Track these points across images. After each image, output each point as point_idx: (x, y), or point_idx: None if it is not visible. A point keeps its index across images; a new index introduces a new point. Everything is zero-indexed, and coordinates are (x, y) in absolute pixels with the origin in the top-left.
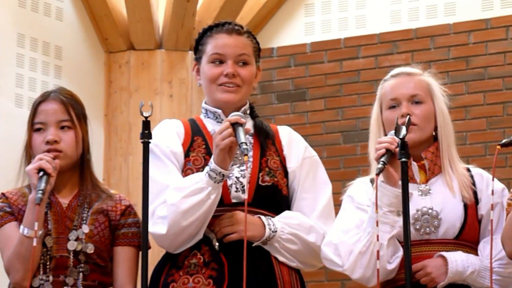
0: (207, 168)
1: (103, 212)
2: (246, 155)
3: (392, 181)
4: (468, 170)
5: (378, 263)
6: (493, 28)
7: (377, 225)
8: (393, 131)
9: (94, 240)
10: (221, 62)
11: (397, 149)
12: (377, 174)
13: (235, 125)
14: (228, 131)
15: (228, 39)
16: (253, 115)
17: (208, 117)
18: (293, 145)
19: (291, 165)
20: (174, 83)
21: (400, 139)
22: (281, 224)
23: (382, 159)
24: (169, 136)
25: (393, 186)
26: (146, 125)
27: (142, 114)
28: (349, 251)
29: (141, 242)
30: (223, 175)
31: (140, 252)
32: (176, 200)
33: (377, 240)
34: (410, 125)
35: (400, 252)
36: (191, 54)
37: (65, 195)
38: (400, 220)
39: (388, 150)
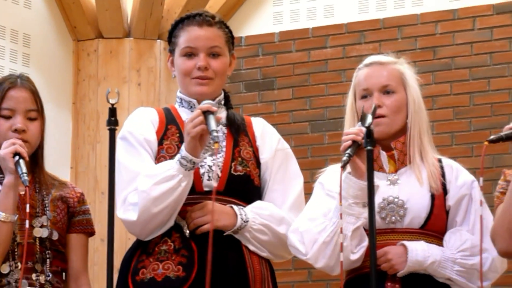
0: (178, 156)
1: (62, 199)
2: (217, 142)
3: (358, 173)
4: (440, 161)
5: (341, 255)
6: (460, 18)
7: (341, 217)
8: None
9: (57, 226)
10: (193, 55)
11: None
12: (342, 167)
13: (206, 113)
14: (199, 118)
15: (199, 31)
16: (227, 105)
17: (182, 106)
18: (267, 136)
19: (263, 156)
20: (143, 72)
21: (366, 127)
22: (253, 214)
23: (348, 151)
24: (143, 124)
25: (359, 178)
26: (113, 112)
27: (108, 101)
28: (313, 240)
29: (92, 229)
30: (194, 162)
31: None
32: (147, 187)
33: (341, 232)
34: (375, 114)
35: (365, 242)
36: (159, 42)
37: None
38: (365, 212)
39: (354, 142)
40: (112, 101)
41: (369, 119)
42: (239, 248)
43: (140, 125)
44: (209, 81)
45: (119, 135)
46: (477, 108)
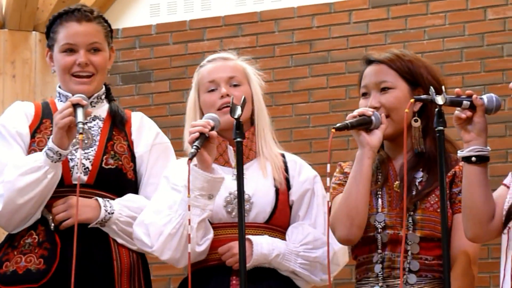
0: (45, 147)
1: None
2: (82, 134)
3: (204, 165)
4: (283, 156)
5: (189, 247)
6: (336, 12)
7: (189, 209)
8: (209, 114)
9: None
10: (73, 51)
11: (211, 132)
12: (190, 159)
13: (76, 105)
14: (68, 110)
15: (78, 27)
16: (109, 98)
17: (61, 101)
18: (143, 130)
19: (138, 150)
20: (17, 64)
21: (236, 119)
22: (120, 206)
23: (196, 143)
24: (16, 117)
25: (205, 170)
26: None
27: None
28: (159, 232)
29: None
30: (61, 154)
31: None
32: (12, 178)
33: (189, 224)
34: (244, 104)
35: (210, 235)
36: (34, 34)
37: None
38: (211, 204)
39: (202, 134)
40: None
41: (238, 110)
42: (107, 241)
43: (13, 118)
44: (90, 78)
45: None
46: (353, 101)
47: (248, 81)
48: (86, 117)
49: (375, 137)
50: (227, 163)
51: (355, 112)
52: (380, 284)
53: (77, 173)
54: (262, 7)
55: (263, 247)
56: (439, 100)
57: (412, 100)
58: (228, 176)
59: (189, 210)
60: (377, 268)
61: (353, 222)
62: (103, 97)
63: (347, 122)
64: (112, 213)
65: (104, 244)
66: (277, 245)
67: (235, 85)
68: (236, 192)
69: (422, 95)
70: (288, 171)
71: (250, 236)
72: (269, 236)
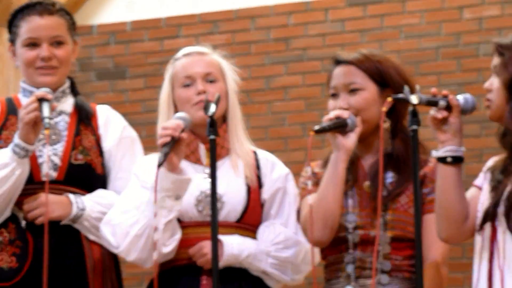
0: (11, 144)
1: None
2: (48, 129)
3: (171, 167)
4: (255, 153)
5: (155, 254)
6: (312, 10)
7: (155, 216)
8: (179, 114)
9: None
10: (36, 44)
11: (182, 135)
12: (159, 166)
13: (41, 100)
14: (33, 105)
15: (40, 20)
16: (74, 92)
17: (25, 96)
18: (110, 124)
19: (105, 144)
20: None
21: (209, 116)
22: (91, 202)
23: (164, 148)
24: None
25: (172, 171)
26: None
27: None
28: (125, 233)
29: None
30: (27, 150)
31: None
32: None
33: (155, 230)
34: (218, 102)
35: (178, 235)
36: None
37: None
38: (178, 205)
39: (172, 137)
40: None
41: (212, 108)
42: (78, 238)
43: None
44: (54, 70)
45: None
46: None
47: (223, 77)
48: (51, 112)
49: (350, 140)
50: (199, 160)
51: (331, 115)
52: (352, 284)
53: (50, 169)
54: (238, 4)
55: (234, 247)
56: (414, 99)
57: (390, 98)
58: (199, 174)
59: (155, 217)
60: (350, 268)
61: (327, 224)
62: (67, 91)
63: (324, 124)
64: (84, 209)
65: (76, 241)
66: (247, 245)
67: (211, 81)
68: (207, 191)
69: (399, 94)
70: (260, 168)
71: (220, 236)
72: (240, 235)
